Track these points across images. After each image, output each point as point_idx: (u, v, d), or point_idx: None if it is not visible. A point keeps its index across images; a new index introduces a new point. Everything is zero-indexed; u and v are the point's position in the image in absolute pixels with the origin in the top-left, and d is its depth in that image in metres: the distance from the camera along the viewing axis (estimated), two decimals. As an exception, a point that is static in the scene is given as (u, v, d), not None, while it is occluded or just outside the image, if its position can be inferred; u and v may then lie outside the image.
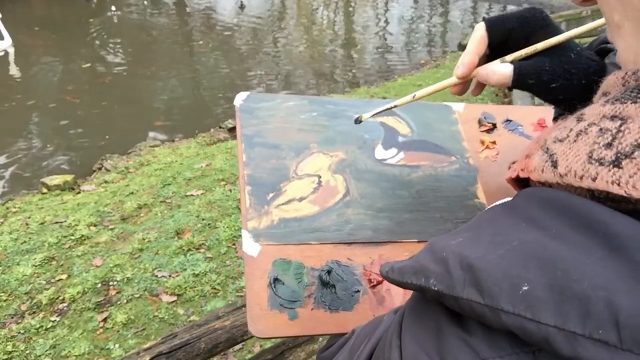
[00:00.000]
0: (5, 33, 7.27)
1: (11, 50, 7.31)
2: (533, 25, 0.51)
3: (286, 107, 0.76)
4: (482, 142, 0.80)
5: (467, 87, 0.56)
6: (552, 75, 0.50)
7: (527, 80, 0.51)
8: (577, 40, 0.53)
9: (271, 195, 0.67)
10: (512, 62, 0.52)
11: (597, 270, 0.23)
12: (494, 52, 0.53)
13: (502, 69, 0.51)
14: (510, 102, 4.86)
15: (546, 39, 0.51)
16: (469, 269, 0.26)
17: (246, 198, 0.66)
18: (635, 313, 0.21)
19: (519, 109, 0.87)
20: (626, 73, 0.31)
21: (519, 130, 0.83)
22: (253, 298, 0.59)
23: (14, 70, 6.90)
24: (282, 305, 0.60)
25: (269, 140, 0.72)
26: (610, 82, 0.33)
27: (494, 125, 0.83)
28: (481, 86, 0.57)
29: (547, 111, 0.83)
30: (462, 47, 8.00)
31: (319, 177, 0.70)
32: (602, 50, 0.53)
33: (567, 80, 0.50)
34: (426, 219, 0.70)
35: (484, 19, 0.54)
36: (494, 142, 0.80)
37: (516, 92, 4.79)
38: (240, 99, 0.75)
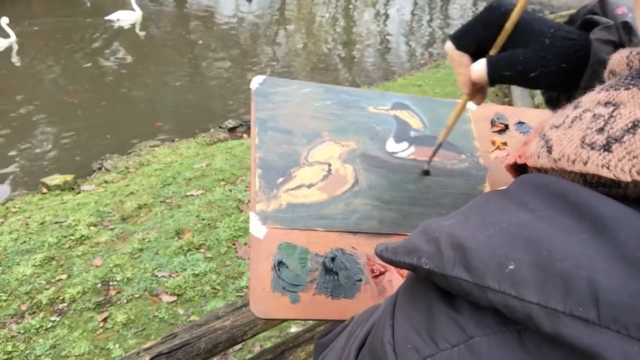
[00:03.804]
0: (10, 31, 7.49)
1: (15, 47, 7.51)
2: (497, 23, 0.51)
3: (301, 93, 0.76)
4: (493, 143, 0.81)
5: (482, 94, 0.58)
6: (528, 64, 0.50)
7: (502, 72, 0.50)
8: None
9: (281, 179, 0.67)
10: (487, 56, 0.52)
11: (580, 250, 0.24)
12: (477, 59, 0.53)
13: (476, 67, 0.52)
14: (510, 102, 4.86)
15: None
16: (459, 248, 0.27)
17: (256, 181, 0.66)
18: (614, 291, 0.22)
19: (531, 111, 0.87)
20: (630, 52, 0.31)
21: (530, 132, 0.83)
22: (257, 280, 0.60)
23: (17, 65, 7.15)
24: (284, 288, 0.60)
25: (282, 125, 0.72)
26: (616, 60, 0.33)
27: (506, 127, 0.83)
28: (481, 94, 0.58)
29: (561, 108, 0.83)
30: (462, 47, 7.97)
31: (329, 165, 0.70)
32: (589, 22, 0.51)
33: (544, 67, 0.49)
34: (432, 214, 0.70)
35: (449, 37, 0.54)
36: (505, 143, 0.80)
37: (515, 92, 4.79)
38: (256, 82, 0.75)
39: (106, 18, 8.36)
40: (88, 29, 8.30)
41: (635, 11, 0.34)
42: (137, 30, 8.45)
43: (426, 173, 0.72)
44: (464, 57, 0.53)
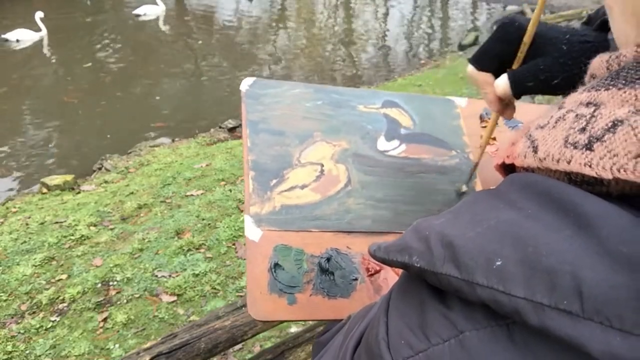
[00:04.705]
0: None
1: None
2: (513, 38, 0.52)
3: (292, 94, 0.76)
4: None
5: (511, 108, 0.59)
6: (550, 72, 0.50)
7: (525, 83, 0.51)
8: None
9: (274, 181, 0.68)
10: (509, 70, 0.53)
11: (565, 246, 0.24)
12: (498, 74, 0.54)
13: (499, 82, 0.53)
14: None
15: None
16: (448, 246, 0.28)
17: (249, 183, 0.67)
18: (597, 284, 0.23)
19: (520, 106, 0.87)
20: (610, 56, 0.32)
21: (519, 127, 0.83)
22: (253, 282, 0.61)
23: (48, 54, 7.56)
24: (281, 290, 0.61)
25: (274, 127, 0.72)
26: (596, 64, 0.34)
27: None
28: (510, 109, 0.58)
29: (547, 109, 0.84)
30: (462, 47, 8.00)
31: (322, 165, 0.71)
32: (606, 22, 0.52)
33: (566, 72, 0.50)
34: (425, 211, 0.70)
35: (469, 60, 0.55)
36: (494, 138, 0.81)
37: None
38: (246, 84, 0.76)
39: (133, 12, 9.05)
40: (88, 29, 8.33)
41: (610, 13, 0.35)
42: (160, 24, 9.08)
43: (462, 194, 0.72)
44: (487, 77, 0.54)
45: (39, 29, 7.65)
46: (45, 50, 7.57)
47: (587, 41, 0.50)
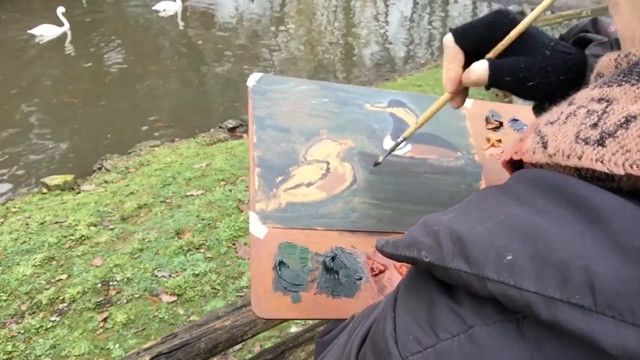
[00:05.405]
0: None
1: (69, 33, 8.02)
2: (501, 28, 0.51)
3: (298, 90, 0.76)
4: (488, 140, 0.81)
5: (463, 96, 0.57)
6: (529, 73, 0.50)
7: (503, 77, 0.50)
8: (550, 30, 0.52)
9: (280, 178, 0.67)
10: (490, 58, 0.51)
11: (576, 240, 0.24)
12: (468, 60, 0.53)
13: (477, 67, 0.51)
14: (510, 102, 4.85)
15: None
16: (458, 241, 0.28)
17: (255, 180, 0.66)
18: (610, 278, 0.22)
19: (525, 109, 0.88)
20: (618, 55, 0.32)
21: (524, 130, 0.83)
22: (258, 279, 0.60)
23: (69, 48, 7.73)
24: (285, 288, 0.61)
25: (280, 123, 0.72)
26: (604, 63, 0.34)
27: (501, 124, 0.83)
28: (462, 97, 0.57)
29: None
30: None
31: (328, 163, 0.70)
32: (582, 39, 0.52)
33: (543, 78, 0.50)
34: (429, 212, 0.70)
35: (450, 29, 0.53)
36: (499, 140, 0.81)
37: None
38: (253, 80, 0.75)
39: (153, 8, 9.11)
40: (87, 28, 8.32)
41: (613, 15, 0.35)
42: (178, 21, 9.12)
43: (376, 164, 0.70)
44: (460, 54, 0.52)
45: (61, 24, 7.74)
46: (67, 44, 7.69)
47: (569, 53, 0.50)
